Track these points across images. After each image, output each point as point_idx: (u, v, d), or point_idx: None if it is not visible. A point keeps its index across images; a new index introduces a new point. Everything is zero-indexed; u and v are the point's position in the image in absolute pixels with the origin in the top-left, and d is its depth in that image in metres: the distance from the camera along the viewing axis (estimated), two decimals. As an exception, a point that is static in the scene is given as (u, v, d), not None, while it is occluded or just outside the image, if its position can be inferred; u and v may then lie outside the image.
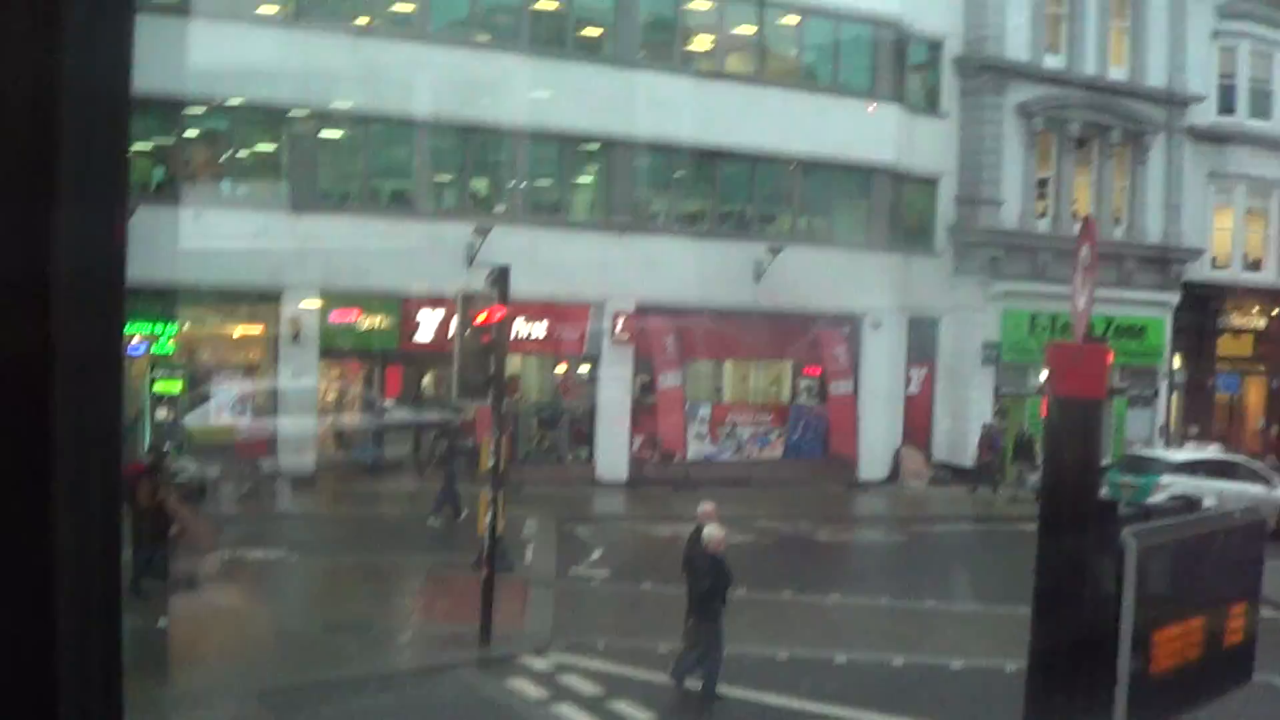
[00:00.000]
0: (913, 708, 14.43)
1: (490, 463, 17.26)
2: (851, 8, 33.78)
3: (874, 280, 34.04)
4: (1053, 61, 37.24)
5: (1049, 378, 5.73)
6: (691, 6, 33.21)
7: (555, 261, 28.64)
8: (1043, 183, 37.55)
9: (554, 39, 31.27)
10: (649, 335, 31.64)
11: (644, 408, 32.32)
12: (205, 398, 28.21)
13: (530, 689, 15.03)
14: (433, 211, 29.85)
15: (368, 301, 29.08)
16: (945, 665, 16.80)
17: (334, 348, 29.23)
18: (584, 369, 32.38)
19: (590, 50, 31.86)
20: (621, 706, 14.35)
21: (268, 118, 28.63)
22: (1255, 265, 41.16)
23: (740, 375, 35.08)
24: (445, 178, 31.37)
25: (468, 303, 17.08)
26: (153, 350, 26.66)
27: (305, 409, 28.89)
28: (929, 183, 36.40)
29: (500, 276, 17.02)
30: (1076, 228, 35.23)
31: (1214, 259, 40.50)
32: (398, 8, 29.92)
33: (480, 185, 31.70)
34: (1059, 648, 5.21)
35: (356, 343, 29.39)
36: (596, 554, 23.50)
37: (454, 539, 22.89)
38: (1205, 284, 39.87)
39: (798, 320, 33.17)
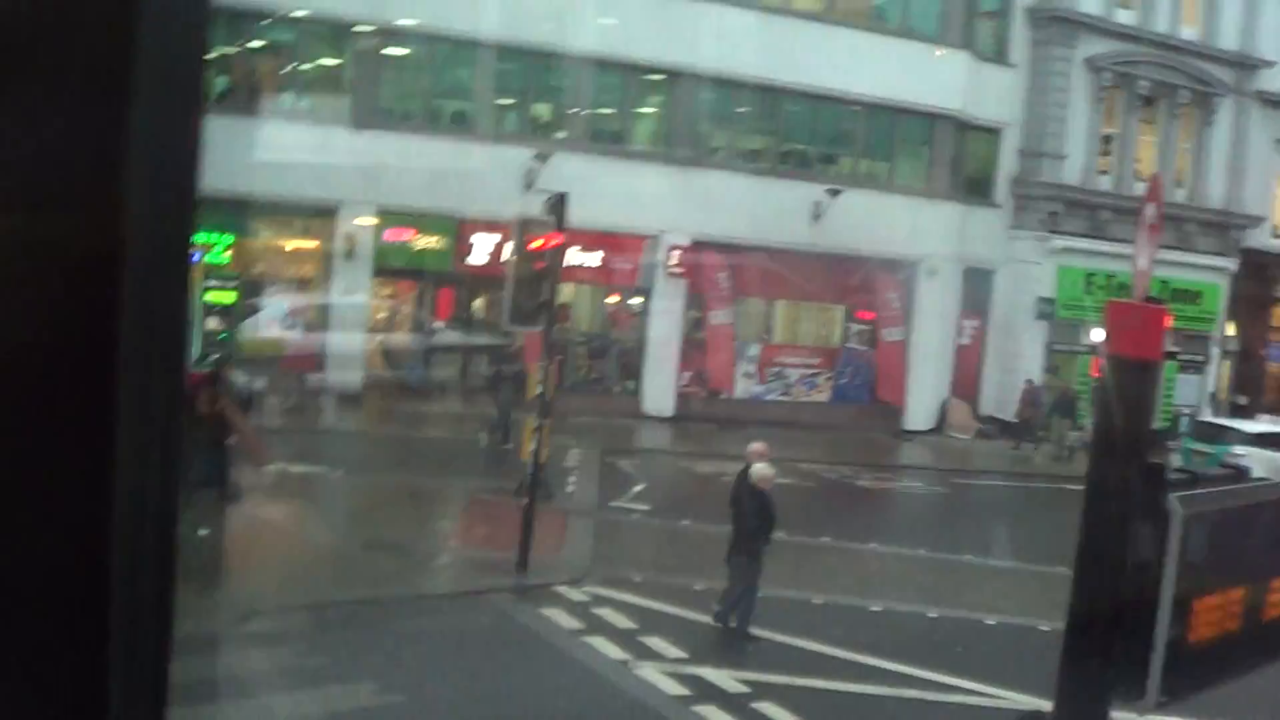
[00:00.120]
0: (945, 661, 14.40)
1: (538, 390, 17.26)
2: (925, -49, 33.33)
3: (932, 228, 33.76)
4: (1125, 17, 36.61)
5: (1105, 336, 5.63)
6: (763, -59, 32.81)
7: (613, 191, 28.43)
8: (1107, 140, 37.07)
9: (623, -33, 31.00)
10: (702, 271, 31.53)
11: (693, 343, 32.29)
12: (255, 310, 28.36)
13: (565, 619, 15.06)
14: (493, 134, 29.72)
15: (424, 221, 29.08)
16: (980, 620, 16.79)
17: (387, 266, 29.29)
18: (636, 301, 32.35)
19: (659, -20, 31.60)
20: (655, 641, 14.40)
21: (333, 32, 28.61)
22: (1317, 236, 40.58)
23: (791, 316, 34.93)
24: (507, 101, 31.24)
25: (524, 228, 17.04)
26: (206, 259, 26.80)
27: (355, 326, 29.02)
28: (992, 133, 36.00)
29: (557, 203, 16.97)
30: (1139, 186, 34.88)
31: (1275, 227, 39.96)
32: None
33: (542, 111, 31.56)
34: (1098, 610, 5.17)
35: (410, 262, 29.40)
36: (638, 488, 23.48)
37: (499, 464, 22.89)
38: (1264, 252, 39.37)
39: (853, 264, 32.92)
